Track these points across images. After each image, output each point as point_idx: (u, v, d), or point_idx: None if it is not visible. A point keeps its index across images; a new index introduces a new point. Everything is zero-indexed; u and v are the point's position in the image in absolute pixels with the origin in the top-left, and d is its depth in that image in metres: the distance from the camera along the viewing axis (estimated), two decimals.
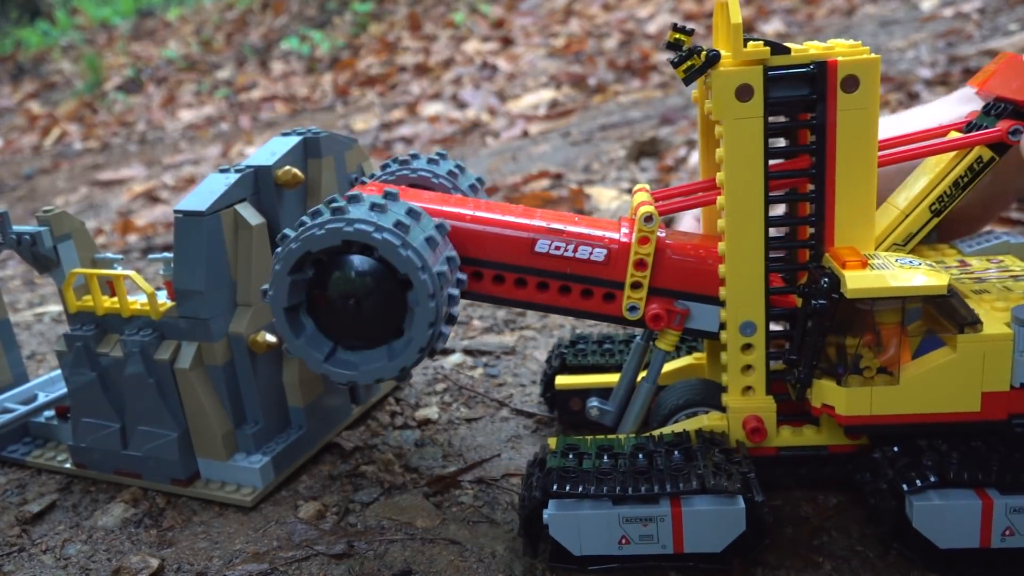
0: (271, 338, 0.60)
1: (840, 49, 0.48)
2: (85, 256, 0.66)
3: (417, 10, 3.33)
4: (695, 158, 0.99)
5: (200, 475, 0.62)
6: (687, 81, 0.48)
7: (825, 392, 0.49)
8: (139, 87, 3.35)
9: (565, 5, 3.03)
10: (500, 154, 1.76)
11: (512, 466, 0.62)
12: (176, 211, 0.57)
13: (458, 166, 0.64)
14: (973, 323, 0.47)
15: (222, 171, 0.60)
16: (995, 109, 0.53)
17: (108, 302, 0.62)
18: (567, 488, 0.48)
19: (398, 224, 0.48)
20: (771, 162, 0.49)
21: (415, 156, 0.63)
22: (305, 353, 0.51)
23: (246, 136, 2.49)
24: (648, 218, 0.51)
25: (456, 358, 0.81)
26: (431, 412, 0.71)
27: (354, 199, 0.49)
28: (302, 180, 0.61)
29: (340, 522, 0.57)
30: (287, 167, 0.61)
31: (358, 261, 0.49)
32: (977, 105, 0.56)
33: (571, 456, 0.50)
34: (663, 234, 0.53)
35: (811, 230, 0.51)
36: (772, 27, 2.28)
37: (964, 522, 0.46)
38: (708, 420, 0.53)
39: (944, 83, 1.51)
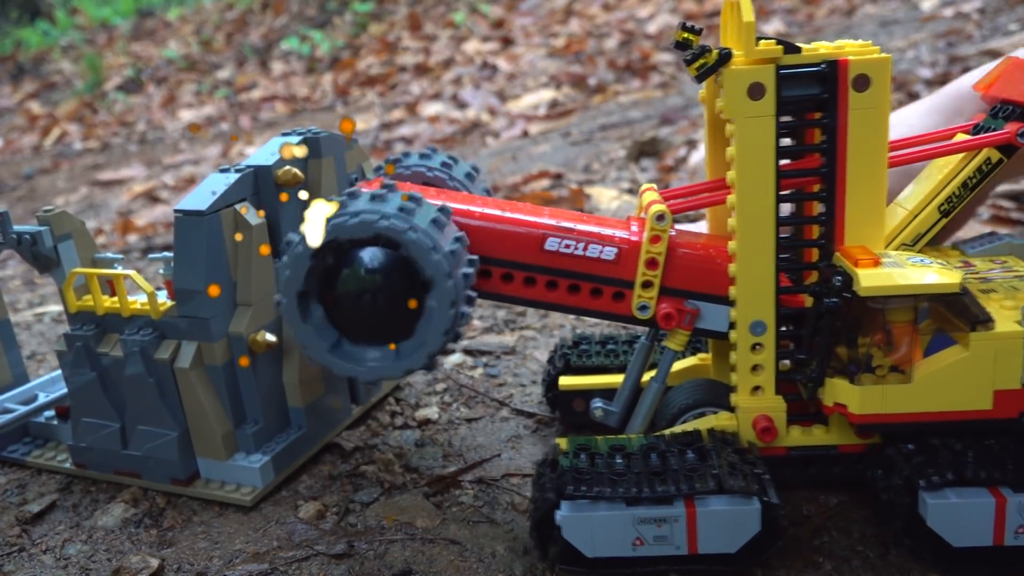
0: (271, 338, 0.60)
1: (850, 49, 0.48)
2: (85, 256, 0.66)
3: (417, 10, 3.33)
4: (695, 158, 0.99)
5: (200, 475, 0.62)
6: (699, 79, 0.48)
7: (838, 391, 0.49)
8: (139, 87, 3.35)
9: (565, 5, 3.03)
10: (500, 154, 1.76)
11: (512, 466, 0.62)
12: (176, 211, 0.57)
13: (451, 157, 0.64)
14: (985, 321, 0.47)
15: (222, 171, 0.60)
16: (1002, 112, 0.54)
17: (108, 302, 0.62)
18: (582, 489, 0.47)
19: (432, 225, 0.47)
20: (780, 161, 0.49)
21: (406, 155, 0.63)
22: (310, 340, 0.49)
23: (246, 136, 2.49)
24: (661, 216, 0.51)
25: (456, 358, 0.81)
26: (431, 412, 0.71)
27: (389, 189, 0.48)
28: (302, 180, 0.61)
29: (340, 522, 0.57)
30: (287, 167, 0.61)
31: (381, 255, 0.47)
32: (946, 116, 0.57)
33: (583, 456, 0.50)
34: (673, 233, 0.53)
35: (820, 229, 0.51)
36: (772, 27, 2.28)
37: (978, 520, 0.46)
38: (718, 420, 0.53)
39: (944, 83, 1.51)
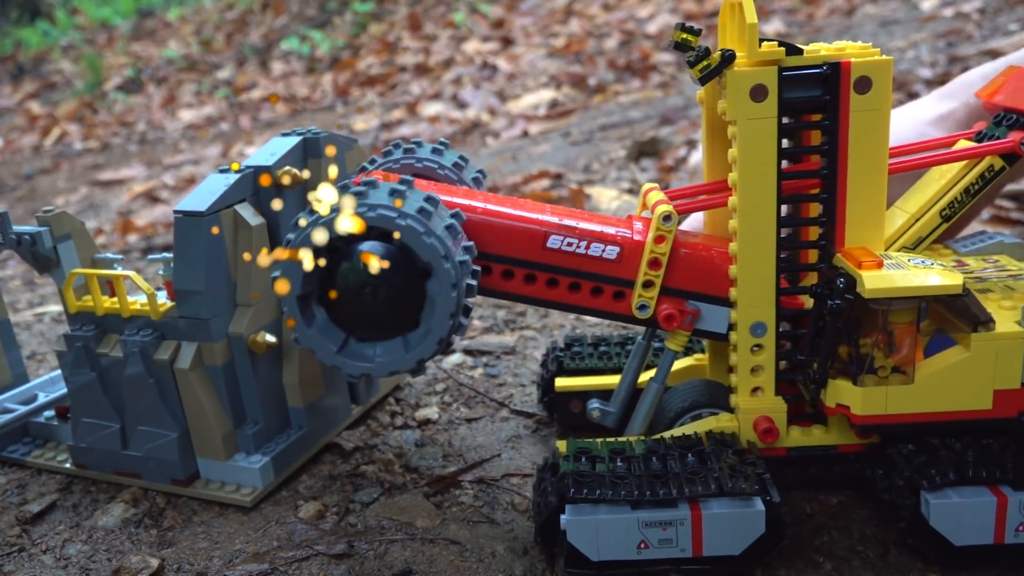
0: (271, 338, 0.60)
1: (851, 51, 0.49)
2: (85, 256, 0.66)
3: (417, 10, 3.33)
4: (695, 158, 0.99)
5: (200, 475, 0.62)
6: (703, 81, 0.48)
7: (840, 392, 0.49)
8: (139, 87, 3.35)
9: (565, 5, 3.03)
10: (500, 154, 1.76)
11: (512, 466, 0.62)
12: (176, 211, 0.57)
13: (462, 157, 0.63)
14: (987, 322, 0.47)
15: (222, 171, 0.60)
16: (1006, 120, 0.55)
17: (108, 302, 0.62)
18: (584, 493, 0.47)
19: (421, 211, 0.46)
20: (782, 163, 0.49)
21: (419, 144, 0.62)
22: (317, 344, 0.49)
23: (246, 136, 2.49)
24: (667, 217, 0.51)
25: (456, 358, 0.81)
26: (431, 412, 0.71)
27: (371, 184, 0.48)
28: (302, 180, 0.61)
29: (340, 522, 0.57)
30: (287, 167, 0.61)
31: (377, 247, 0.47)
32: (959, 101, 0.57)
33: (584, 460, 0.50)
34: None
35: (821, 231, 0.51)
36: (772, 27, 2.28)
37: (979, 519, 0.47)
38: (718, 422, 0.53)
39: (944, 83, 1.51)
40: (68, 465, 0.65)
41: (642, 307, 0.52)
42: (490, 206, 0.53)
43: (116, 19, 4.30)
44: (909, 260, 0.49)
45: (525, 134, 1.92)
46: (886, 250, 0.53)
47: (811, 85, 0.48)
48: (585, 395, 0.64)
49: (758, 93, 0.47)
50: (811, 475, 0.54)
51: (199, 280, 0.57)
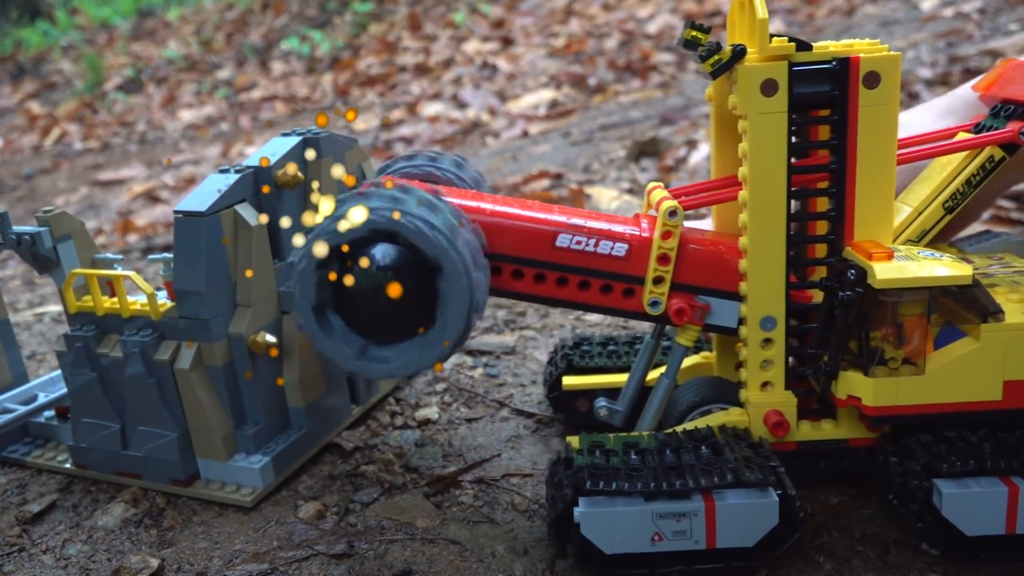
0: (271, 339, 0.60)
1: (860, 47, 0.49)
2: (85, 256, 0.66)
3: (417, 10, 3.33)
4: (695, 158, 0.99)
5: (200, 475, 0.62)
6: (714, 75, 0.49)
7: (852, 384, 0.50)
8: (139, 87, 3.35)
9: (565, 5, 3.03)
10: (500, 154, 1.76)
11: (512, 466, 0.62)
12: (176, 211, 0.57)
13: (460, 160, 0.63)
14: (996, 312, 0.48)
15: (222, 171, 0.60)
16: (1003, 111, 0.55)
17: (108, 302, 0.62)
18: (600, 485, 0.47)
19: (423, 207, 0.47)
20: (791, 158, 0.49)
21: (416, 155, 0.63)
22: (336, 352, 0.49)
23: (246, 136, 2.49)
24: (673, 212, 0.51)
25: (456, 358, 0.81)
26: (431, 412, 0.71)
27: (373, 187, 0.48)
28: (302, 180, 0.61)
29: (340, 522, 0.57)
30: (287, 168, 0.61)
31: (384, 250, 0.47)
32: (959, 119, 0.58)
33: (598, 453, 0.50)
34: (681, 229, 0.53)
35: (830, 225, 0.51)
36: (772, 27, 2.27)
37: (991, 509, 0.47)
38: (728, 416, 0.53)
39: (944, 83, 1.51)
40: (68, 465, 0.65)
41: (654, 303, 0.53)
42: (498, 207, 0.53)
43: (116, 19, 4.31)
44: (918, 252, 0.50)
45: (525, 134, 1.92)
46: (892, 243, 0.53)
47: (821, 80, 0.48)
48: (592, 394, 0.64)
49: (768, 87, 0.48)
50: (821, 470, 0.55)
51: (199, 280, 0.57)
